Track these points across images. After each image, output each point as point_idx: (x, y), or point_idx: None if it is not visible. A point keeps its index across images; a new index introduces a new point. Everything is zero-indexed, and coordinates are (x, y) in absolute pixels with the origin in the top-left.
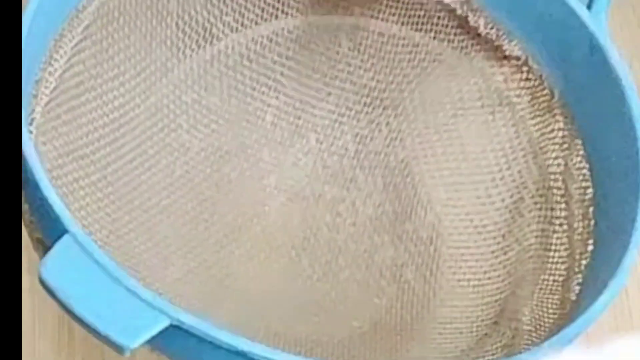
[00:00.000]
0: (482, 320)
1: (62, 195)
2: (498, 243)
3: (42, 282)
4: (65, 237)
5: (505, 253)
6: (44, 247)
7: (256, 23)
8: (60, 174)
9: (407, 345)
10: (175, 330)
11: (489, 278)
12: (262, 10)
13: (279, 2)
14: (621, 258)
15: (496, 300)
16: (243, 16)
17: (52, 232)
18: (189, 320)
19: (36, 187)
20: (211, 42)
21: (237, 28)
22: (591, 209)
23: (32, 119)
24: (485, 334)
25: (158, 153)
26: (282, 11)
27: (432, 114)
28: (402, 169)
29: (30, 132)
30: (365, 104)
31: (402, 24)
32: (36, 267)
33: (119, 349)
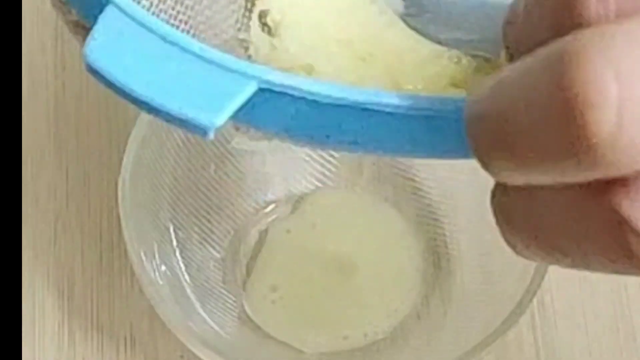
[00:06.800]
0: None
1: None
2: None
3: (91, 69)
4: (109, 9)
5: None
6: (85, 30)
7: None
8: None
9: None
10: (264, 95)
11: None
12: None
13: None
14: None
15: None
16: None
17: (90, 6)
18: (280, 79)
19: None
20: None
21: None
22: None
23: None
24: None
25: None
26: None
27: None
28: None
29: None
30: None
31: None
32: (35, 267)
33: (200, 130)
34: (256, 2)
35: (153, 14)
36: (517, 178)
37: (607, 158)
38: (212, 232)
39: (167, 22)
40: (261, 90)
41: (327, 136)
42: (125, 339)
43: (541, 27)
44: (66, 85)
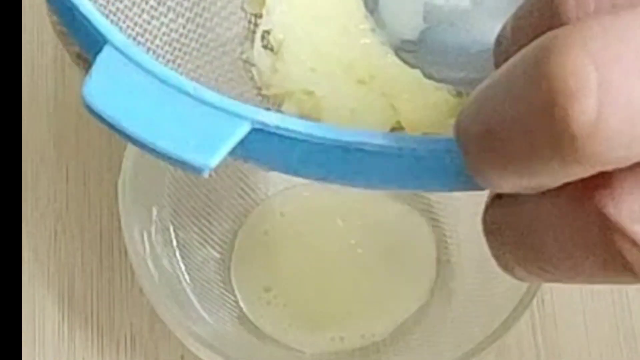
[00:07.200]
0: None
1: None
2: None
3: (89, 108)
4: (107, 49)
5: None
6: (86, 62)
7: None
8: None
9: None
10: (257, 135)
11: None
12: None
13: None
14: None
15: None
16: None
17: (90, 44)
18: (273, 120)
19: None
20: None
21: None
22: None
23: None
24: None
25: None
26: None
27: None
28: None
29: None
30: None
31: None
32: (35, 267)
33: (196, 170)
34: (259, 21)
35: (164, 34)
36: (508, 182)
37: (589, 149)
38: (212, 232)
39: (178, 41)
40: (254, 130)
41: (321, 173)
42: (125, 339)
43: (526, 35)
44: (66, 85)
